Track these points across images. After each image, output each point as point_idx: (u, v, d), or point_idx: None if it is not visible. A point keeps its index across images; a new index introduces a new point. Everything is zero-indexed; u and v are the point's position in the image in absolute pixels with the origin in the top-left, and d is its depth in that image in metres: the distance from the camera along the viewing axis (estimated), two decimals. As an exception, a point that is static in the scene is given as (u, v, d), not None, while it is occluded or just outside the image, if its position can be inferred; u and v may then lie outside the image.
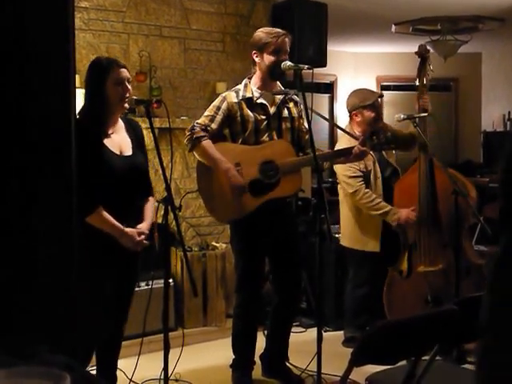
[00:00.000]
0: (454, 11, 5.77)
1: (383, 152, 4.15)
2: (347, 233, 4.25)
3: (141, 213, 3.07)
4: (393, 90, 8.24)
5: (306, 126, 3.54)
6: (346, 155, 3.43)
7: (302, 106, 3.54)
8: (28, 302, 1.50)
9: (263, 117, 3.45)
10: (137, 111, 4.18)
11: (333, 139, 7.89)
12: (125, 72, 3.03)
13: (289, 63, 3.31)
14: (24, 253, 1.51)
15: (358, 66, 8.16)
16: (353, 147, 3.39)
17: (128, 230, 2.95)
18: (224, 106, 3.44)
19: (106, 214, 2.89)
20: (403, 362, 2.21)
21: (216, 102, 3.48)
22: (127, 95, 3.00)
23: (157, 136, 2.99)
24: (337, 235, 4.42)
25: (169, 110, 3.10)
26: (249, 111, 3.44)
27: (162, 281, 2.94)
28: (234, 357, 3.64)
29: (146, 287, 4.08)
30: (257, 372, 3.69)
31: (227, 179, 3.36)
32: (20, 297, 1.50)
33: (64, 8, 1.64)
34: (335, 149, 3.89)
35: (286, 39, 3.41)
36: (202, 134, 3.40)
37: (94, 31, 4.23)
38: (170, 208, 2.81)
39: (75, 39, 1.76)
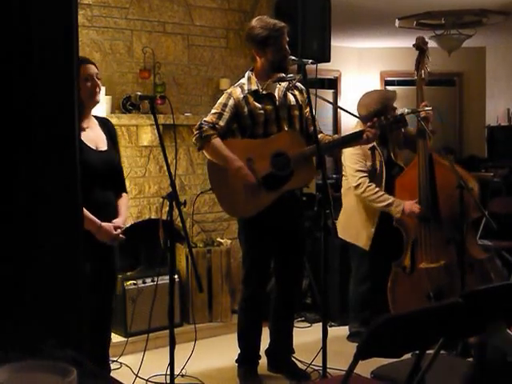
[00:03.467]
0: (458, 5, 5.75)
1: (391, 153, 4.16)
2: (342, 223, 4.22)
3: (115, 208, 3.13)
4: (397, 85, 8.22)
5: (313, 113, 3.51)
6: (357, 139, 3.41)
7: (304, 93, 3.51)
8: (33, 297, 1.51)
9: (271, 107, 3.43)
10: (141, 107, 4.19)
11: (337, 131, 7.91)
12: (92, 68, 3.09)
13: (292, 58, 3.30)
14: (29, 249, 1.52)
15: (362, 61, 8.14)
16: (363, 130, 3.38)
17: (104, 224, 3.01)
18: (230, 102, 3.40)
19: (83, 209, 2.91)
20: (408, 356, 2.21)
21: (222, 99, 3.44)
22: (97, 90, 3.06)
23: (161, 132, 3.01)
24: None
25: (173, 106, 3.10)
26: (256, 103, 3.41)
27: (167, 277, 2.96)
28: (239, 351, 3.65)
29: (152, 283, 4.10)
30: (263, 367, 3.70)
31: (239, 177, 3.34)
32: (26, 293, 1.51)
33: (68, 5, 1.64)
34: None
35: (286, 31, 3.38)
36: (211, 132, 3.35)
37: (98, 28, 4.23)
38: (174, 204, 2.82)
39: (79, 36, 1.76)
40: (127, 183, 4.34)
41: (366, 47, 8.01)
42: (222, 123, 3.37)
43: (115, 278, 3.34)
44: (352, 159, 4.09)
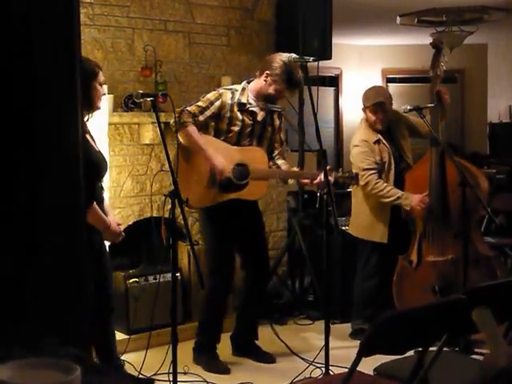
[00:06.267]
0: (460, 2, 5.74)
1: (399, 147, 4.18)
2: (356, 222, 4.28)
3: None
4: (398, 83, 8.22)
5: (283, 138, 3.81)
6: (310, 180, 3.55)
7: (282, 119, 3.77)
8: (33, 297, 1.51)
9: (250, 122, 3.59)
10: (143, 106, 4.19)
11: (338, 128, 7.88)
12: (102, 76, 3.18)
13: (294, 55, 3.34)
14: (29, 249, 1.52)
15: (363, 58, 8.13)
16: (317, 175, 3.48)
17: (112, 222, 3.05)
18: (217, 103, 3.54)
19: (98, 209, 2.96)
20: (411, 353, 2.22)
21: (211, 96, 3.56)
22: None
23: (163, 130, 3.02)
24: (343, 227, 4.43)
25: (174, 104, 3.11)
26: (238, 114, 3.55)
27: (170, 275, 2.96)
28: (196, 340, 3.78)
29: (154, 281, 4.11)
30: (226, 352, 3.84)
31: (211, 163, 3.46)
32: (26, 293, 1.51)
33: (69, 4, 1.64)
34: (352, 140, 4.21)
35: (298, 89, 3.65)
36: (189, 119, 3.48)
37: (99, 26, 4.23)
38: (176, 202, 2.83)
39: (80, 35, 1.76)
40: (129, 181, 4.37)
41: (367, 44, 7.99)
42: (201, 118, 3.52)
43: (110, 277, 3.31)
44: (359, 158, 4.12)
